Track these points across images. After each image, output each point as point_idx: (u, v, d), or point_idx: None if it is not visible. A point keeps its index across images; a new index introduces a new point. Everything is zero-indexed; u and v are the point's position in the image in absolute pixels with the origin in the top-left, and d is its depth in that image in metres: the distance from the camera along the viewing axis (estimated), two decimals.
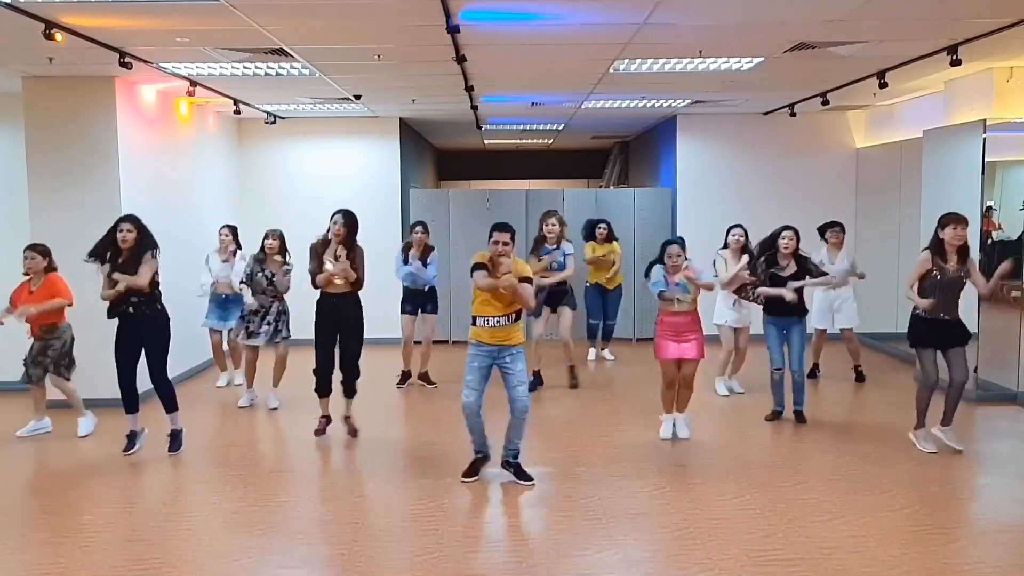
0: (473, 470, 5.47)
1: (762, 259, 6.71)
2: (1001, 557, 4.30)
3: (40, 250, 6.49)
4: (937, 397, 5.96)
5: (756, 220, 8.14)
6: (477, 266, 5.23)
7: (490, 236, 5.30)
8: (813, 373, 8.31)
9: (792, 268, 6.62)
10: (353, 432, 6.51)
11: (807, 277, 6.64)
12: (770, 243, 6.71)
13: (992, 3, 5.33)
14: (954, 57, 6.36)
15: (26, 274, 6.49)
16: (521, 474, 5.42)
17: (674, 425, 6.38)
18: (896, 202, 9.58)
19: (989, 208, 7.63)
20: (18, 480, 5.77)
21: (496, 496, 5.26)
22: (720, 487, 5.38)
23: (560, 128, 12.74)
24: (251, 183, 10.82)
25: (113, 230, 5.92)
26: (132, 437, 6.16)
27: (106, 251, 5.90)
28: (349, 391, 6.49)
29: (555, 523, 4.81)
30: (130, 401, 6.08)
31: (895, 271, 9.15)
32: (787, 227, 6.70)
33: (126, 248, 5.87)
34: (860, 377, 8.29)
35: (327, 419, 6.56)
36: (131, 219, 5.95)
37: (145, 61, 6.68)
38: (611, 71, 7.48)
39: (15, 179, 7.76)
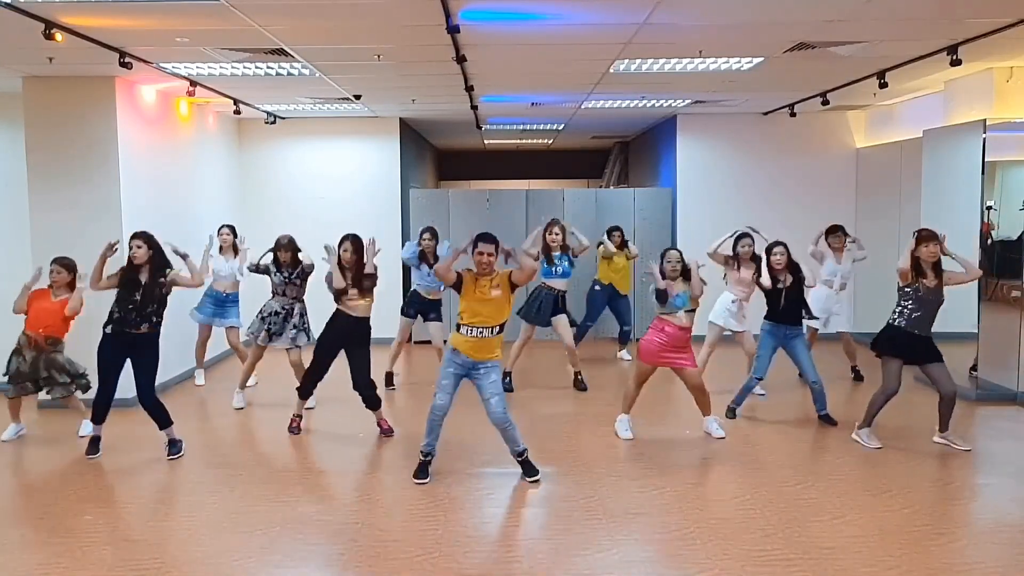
0: (423, 472, 5.47)
1: (763, 275, 6.74)
2: (1001, 557, 4.30)
3: (67, 264, 6.41)
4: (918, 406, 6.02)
5: (756, 220, 8.12)
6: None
7: (474, 247, 5.30)
8: (859, 376, 8.35)
9: (789, 279, 6.67)
10: (388, 432, 6.56)
11: (802, 286, 6.72)
12: (766, 261, 6.75)
13: (992, 3, 5.33)
14: (954, 57, 6.37)
15: (50, 285, 6.41)
16: (527, 469, 5.46)
17: (630, 423, 6.44)
18: (896, 202, 9.58)
19: (989, 208, 7.63)
20: (18, 480, 5.77)
21: (496, 496, 5.26)
22: (720, 487, 5.38)
23: (560, 128, 12.74)
24: (251, 183, 10.82)
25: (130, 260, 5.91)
26: (96, 441, 6.14)
27: (125, 277, 5.88)
28: (373, 404, 6.52)
29: (555, 523, 4.81)
30: (105, 413, 6.06)
31: (895, 271, 9.13)
32: (777, 243, 6.75)
33: (139, 263, 5.85)
34: (858, 376, 8.32)
35: (300, 417, 6.72)
36: (143, 235, 5.92)
37: (145, 61, 6.68)
38: (611, 71, 7.48)
39: (15, 179, 7.76)
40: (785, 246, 6.74)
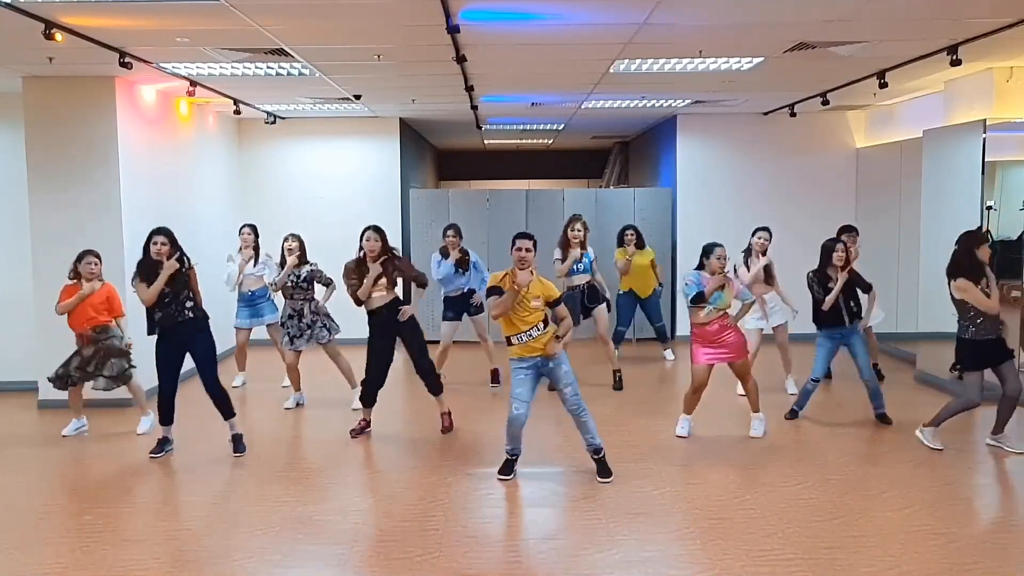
0: (508, 469, 5.52)
1: (813, 274, 6.67)
2: (1001, 557, 4.30)
3: (98, 254, 6.46)
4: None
5: (756, 220, 8.13)
6: (491, 291, 5.34)
7: (512, 244, 5.41)
8: (879, 375, 8.20)
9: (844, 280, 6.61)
10: (448, 428, 6.57)
11: (857, 289, 6.68)
12: (824, 257, 6.65)
13: (992, 3, 5.33)
14: (954, 57, 6.37)
15: (73, 278, 6.41)
16: (601, 470, 5.46)
17: (689, 424, 6.45)
18: (896, 202, 9.59)
19: (989, 208, 7.63)
20: (18, 481, 5.77)
21: (496, 496, 5.26)
22: (720, 487, 5.38)
23: (560, 128, 12.74)
24: (251, 183, 10.82)
25: (147, 249, 5.89)
26: (164, 442, 6.11)
27: (149, 272, 5.85)
28: (435, 389, 6.53)
29: (555, 523, 4.82)
30: (170, 414, 6.05)
31: (895, 271, 9.15)
32: (838, 240, 6.70)
33: (162, 260, 5.84)
34: (879, 375, 8.23)
35: (366, 423, 6.60)
36: (164, 232, 5.92)
37: (145, 61, 6.68)
38: (611, 71, 7.48)
39: (15, 179, 7.76)
40: (844, 243, 6.69)
